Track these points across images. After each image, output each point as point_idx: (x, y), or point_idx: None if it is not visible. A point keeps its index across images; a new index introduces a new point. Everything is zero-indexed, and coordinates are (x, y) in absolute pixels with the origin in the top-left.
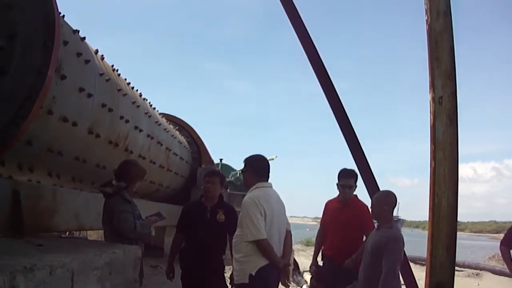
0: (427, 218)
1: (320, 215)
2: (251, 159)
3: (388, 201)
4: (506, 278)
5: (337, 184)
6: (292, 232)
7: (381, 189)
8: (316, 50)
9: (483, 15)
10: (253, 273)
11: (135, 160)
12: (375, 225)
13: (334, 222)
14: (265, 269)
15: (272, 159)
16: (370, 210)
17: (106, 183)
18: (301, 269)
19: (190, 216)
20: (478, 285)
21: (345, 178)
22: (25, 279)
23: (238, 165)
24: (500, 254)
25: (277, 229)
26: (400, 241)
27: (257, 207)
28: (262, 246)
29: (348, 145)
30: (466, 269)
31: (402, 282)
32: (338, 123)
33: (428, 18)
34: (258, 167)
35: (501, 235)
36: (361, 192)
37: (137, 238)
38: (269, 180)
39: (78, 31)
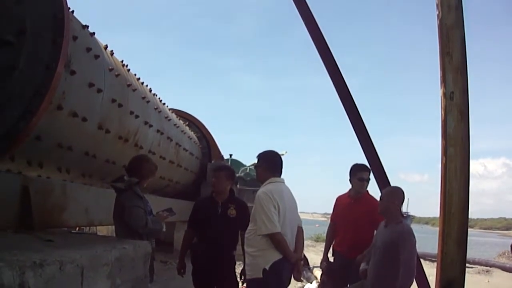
0: (436, 215)
1: (330, 211)
2: (264, 154)
3: (397, 197)
4: None
5: (350, 180)
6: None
7: (391, 185)
8: (328, 47)
9: (493, 8)
10: (267, 267)
11: (147, 155)
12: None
13: (345, 218)
14: (278, 263)
15: (283, 154)
16: (379, 204)
17: (117, 179)
18: (311, 265)
19: (201, 212)
20: (488, 282)
21: (362, 171)
22: (34, 275)
23: (248, 160)
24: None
25: (289, 224)
26: (412, 235)
27: (271, 201)
28: (276, 240)
29: (360, 141)
30: (476, 266)
31: None
32: (350, 119)
33: (439, 12)
34: (271, 162)
35: (511, 232)
36: (371, 188)
37: (148, 233)
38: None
39: (88, 26)
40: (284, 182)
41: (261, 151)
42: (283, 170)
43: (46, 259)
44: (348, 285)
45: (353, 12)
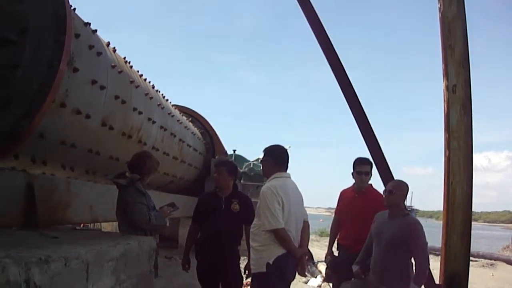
0: (441, 208)
1: (334, 206)
2: (270, 149)
3: (405, 190)
4: None
5: (352, 173)
6: None
7: (395, 178)
8: (330, 40)
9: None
10: (271, 262)
11: (149, 152)
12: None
13: (349, 212)
14: (282, 258)
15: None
16: (388, 197)
17: (119, 175)
18: (316, 260)
19: (205, 207)
20: (493, 275)
21: (361, 165)
22: (40, 271)
23: (251, 155)
24: None
25: (294, 219)
26: (421, 226)
27: (275, 196)
28: (279, 235)
29: (362, 135)
30: (480, 259)
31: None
32: (353, 113)
33: (440, 5)
34: (277, 157)
35: None
36: (375, 182)
37: (152, 229)
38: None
39: (90, 24)
40: (290, 177)
41: (267, 146)
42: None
43: (52, 255)
44: (353, 279)
45: (353, 4)
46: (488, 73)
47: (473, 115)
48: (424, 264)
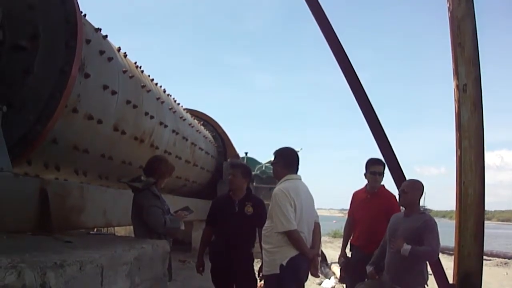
0: (454, 208)
1: (347, 207)
2: (281, 151)
3: (421, 190)
4: None
5: (365, 174)
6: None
7: (407, 178)
8: (339, 41)
9: None
10: (284, 263)
11: (164, 156)
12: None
13: (362, 213)
14: (295, 259)
15: (298, 151)
16: (402, 197)
17: (135, 178)
18: (329, 261)
19: (218, 210)
20: (507, 274)
21: (375, 165)
22: (55, 275)
23: (263, 158)
24: None
25: (306, 220)
26: (436, 223)
27: (287, 198)
28: (292, 237)
29: (374, 136)
30: (494, 258)
31: (430, 272)
32: (363, 113)
33: (449, 4)
34: (288, 159)
35: None
36: (387, 183)
37: (166, 233)
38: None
39: (100, 29)
40: (300, 179)
41: (277, 148)
42: (299, 166)
43: (66, 260)
44: (366, 280)
45: (363, 4)
46: (500, 70)
47: (484, 113)
48: (432, 250)
